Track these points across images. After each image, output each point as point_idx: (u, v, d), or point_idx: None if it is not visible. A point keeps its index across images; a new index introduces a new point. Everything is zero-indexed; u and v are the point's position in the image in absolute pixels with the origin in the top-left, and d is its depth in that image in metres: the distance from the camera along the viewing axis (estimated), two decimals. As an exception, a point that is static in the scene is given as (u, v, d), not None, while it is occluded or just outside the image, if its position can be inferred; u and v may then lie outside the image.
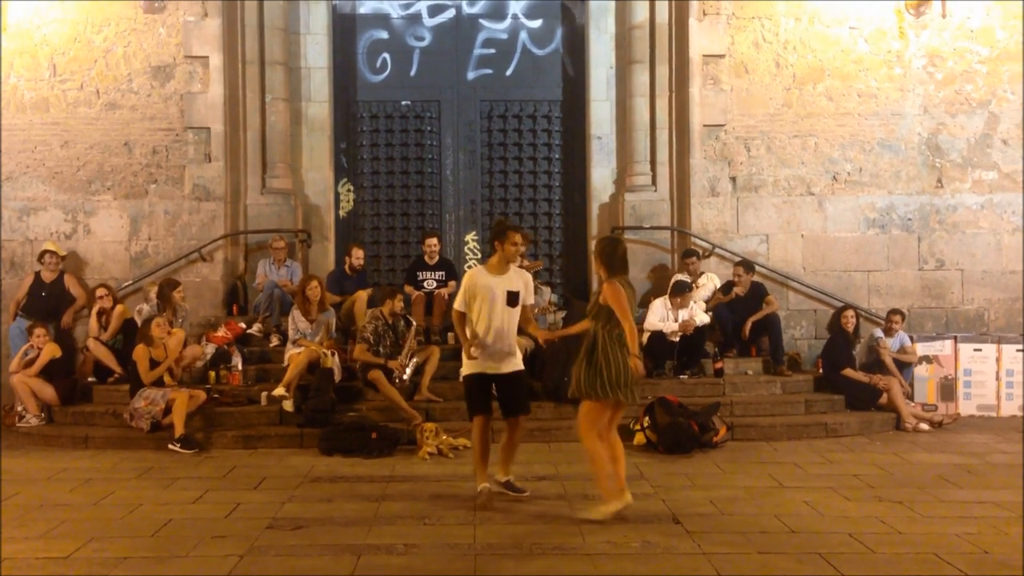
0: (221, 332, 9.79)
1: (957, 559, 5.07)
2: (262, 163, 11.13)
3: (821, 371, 10.04)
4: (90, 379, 9.79)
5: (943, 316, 10.94)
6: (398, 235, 11.96)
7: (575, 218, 11.86)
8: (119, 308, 9.92)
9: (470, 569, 5.01)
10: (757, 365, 10.04)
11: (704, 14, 10.83)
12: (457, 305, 6.33)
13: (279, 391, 8.89)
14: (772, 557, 5.17)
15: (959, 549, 5.27)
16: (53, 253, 10.27)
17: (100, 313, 9.85)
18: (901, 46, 10.91)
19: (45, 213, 10.73)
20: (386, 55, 11.87)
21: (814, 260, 10.94)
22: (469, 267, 11.28)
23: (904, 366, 10.04)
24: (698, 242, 10.81)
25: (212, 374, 9.46)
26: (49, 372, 9.38)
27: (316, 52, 11.48)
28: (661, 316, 9.70)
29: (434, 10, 11.85)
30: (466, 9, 11.86)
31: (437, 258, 10.66)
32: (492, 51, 11.88)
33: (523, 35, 11.87)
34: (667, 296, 9.82)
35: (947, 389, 10.34)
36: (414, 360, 9.06)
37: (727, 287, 10.36)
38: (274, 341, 10.06)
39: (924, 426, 9.29)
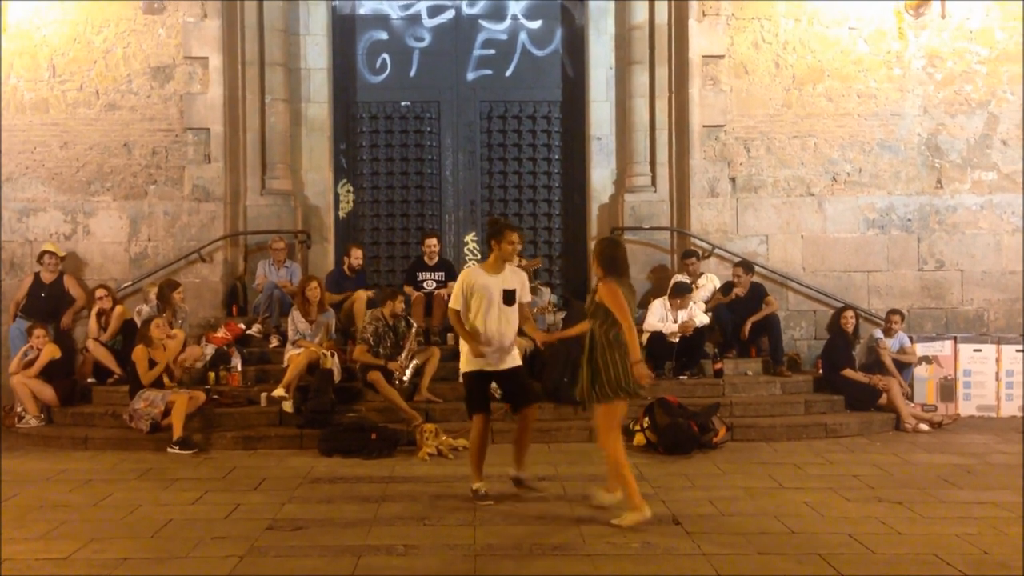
0: (221, 333, 9.79)
1: (957, 560, 5.07)
2: (262, 164, 11.13)
3: (821, 372, 10.04)
4: (89, 380, 9.78)
5: (943, 317, 10.94)
6: (398, 236, 11.96)
7: (575, 219, 11.86)
8: (119, 309, 9.92)
9: (470, 570, 5.01)
10: (757, 366, 10.04)
11: (704, 15, 10.83)
12: (453, 304, 6.33)
13: (279, 392, 8.89)
14: (772, 558, 5.17)
15: (959, 550, 5.27)
16: (53, 254, 10.27)
17: (100, 314, 9.84)
18: (901, 47, 10.91)
19: (45, 214, 10.73)
20: (386, 56, 11.88)
21: (814, 261, 10.94)
22: (471, 266, 11.27)
23: (904, 367, 10.04)
24: (698, 243, 10.81)
25: (212, 375, 9.46)
26: (49, 373, 9.37)
27: (316, 53, 11.49)
28: (660, 317, 9.71)
29: (434, 11, 11.85)
30: (466, 10, 11.86)
31: (437, 259, 10.65)
32: (492, 52, 11.88)
33: (523, 36, 11.87)
34: (666, 297, 9.82)
35: (947, 390, 10.34)
36: (414, 362, 9.06)
37: (727, 288, 10.36)
38: (274, 342, 10.06)
39: (924, 427, 9.29)
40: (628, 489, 5.79)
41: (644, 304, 9.99)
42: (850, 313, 9.99)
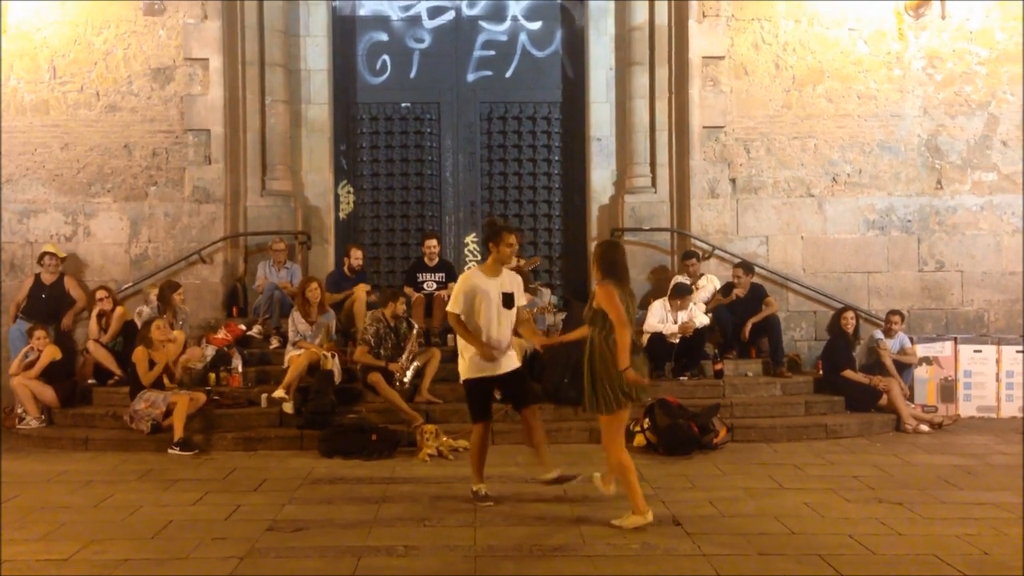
0: (221, 334, 9.79)
1: (957, 560, 5.08)
2: (262, 165, 11.13)
3: (821, 372, 10.04)
4: (90, 381, 9.78)
5: (943, 317, 10.95)
6: (398, 237, 11.96)
7: (575, 220, 11.87)
8: (119, 310, 9.92)
9: (470, 571, 5.02)
10: (757, 367, 10.04)
11: (704, 16, 10.83)
12: (453, 308, 6.27)
13: (279, 393, 8.89)
14: (772, 559, 5.17)
15: (959, 550, 5.27)
16: (53, 255, 10.28)
17: (100, 315, 9.84)
18: (900, 47, 10.91)
19: (45, 215, 10.74)
20: (386, 57, 11.88)
21: (814, 261, 10.94)
22: (469, 269, 11.28)
23: (904, 367, 10.04)
24: (698, 244, 10.81)
25: (212, 376, 9.46)
26: (49, 374, 9.37)
27: (316, 54, 11.49)
28: (660, 318, 9.71)
29: (434, 12, 11.86)
30: (466, 11, 11.87)
31: (437, 260, 10.66)
32: (492, 53, 11.89)
33: (523, 37, 11.88)
34: (666, 298, 9.83)
35: (947, 390, 10.34)
36: (415, 364, 9.06)
37: (727, 289, 10.36)
38: (274, 343, 10.06)
39: (924, 427, 9.29)
40: (633, 494, 5.77)
41: (644, 305, 9.99)
42: (850, 314, 9.99)
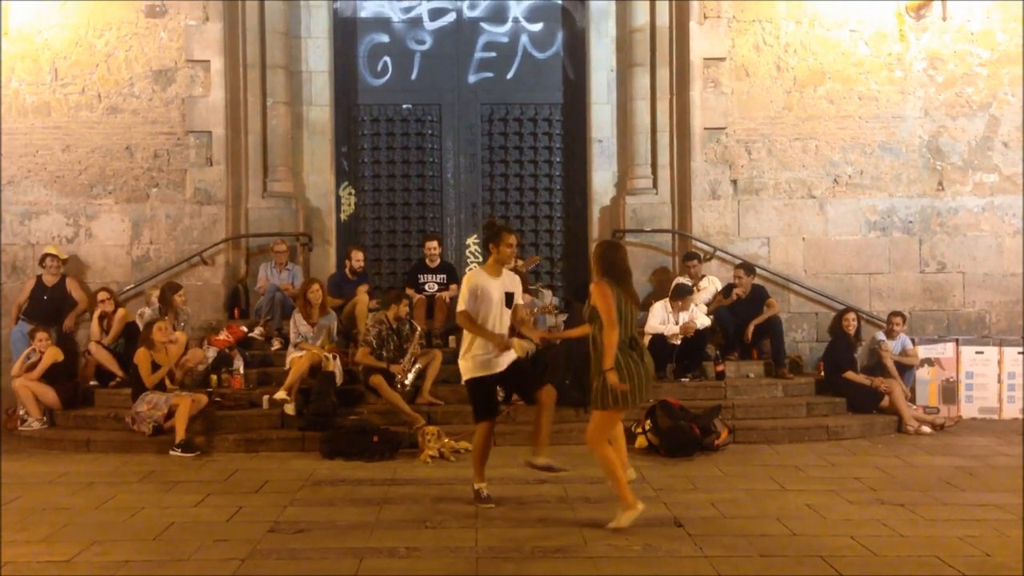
0: (222, 335, 9.80)
1: (959, 562, 5.07)
2: (263, 167, 11.13)
3: (822, 374, 10.03)
4: (92, 383, 9.79)
5: (944, 319, 10.94)
6: (399, 238, 11.96)
7: (576, 221, 11.87)
8: (121, 312, 9.92)
9: (472, 572, 5.02)
10: (758, 368, 10.04)
11: (704, 17, 10.83)
12: (465, 306, 6.24)
13: (280, 394, 8.90)
14: (774, 560, 5.17)
15: (961, 552, 5.27)
16: (54, 257, 10.29)
17: (102, 317, 9.84)
18: (902, 49, 10.91)
19: (47, 217, 10.74)
20: (387, 59, 11.88)
21: (815, 263, 10.94)
22: (470, 270, 11.27)
23: (905, 369, 10.04)
24: (699, 245, 10.81)
25: (213, 377, 9.46)
26: (51, 376, 9.37)
27: (317, 56, 11.50)
28: (662, 319, 9.71)
29: (435, 13, 11.86)
30: (467, 12, 11.87)
31: (438, 261, 10.67)
32: (493, 54, 11.89)
33: (524, 38, 11.88)
34: (667, 299, 9.83)
35: (948, 392, 10.34)
36: (417, 366, 9.06)
37: (728, 290, 10.36)
38: (275, 344, 10.07)
39: (926, 429, 9.28)
40: (619, 487, 5.77)
41: (646, 306, 9.97)
42: (852, 315, 9.99)
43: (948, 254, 10.95)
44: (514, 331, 6.60)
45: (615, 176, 11.54)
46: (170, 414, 8.46)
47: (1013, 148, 10.91)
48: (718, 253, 10.82)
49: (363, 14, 11.89)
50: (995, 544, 5.43)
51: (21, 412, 9.36)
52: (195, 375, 9.50)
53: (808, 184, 10.93)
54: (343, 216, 11.89)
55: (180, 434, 8.26)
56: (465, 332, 6.32)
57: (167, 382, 8.81)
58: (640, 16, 11.15)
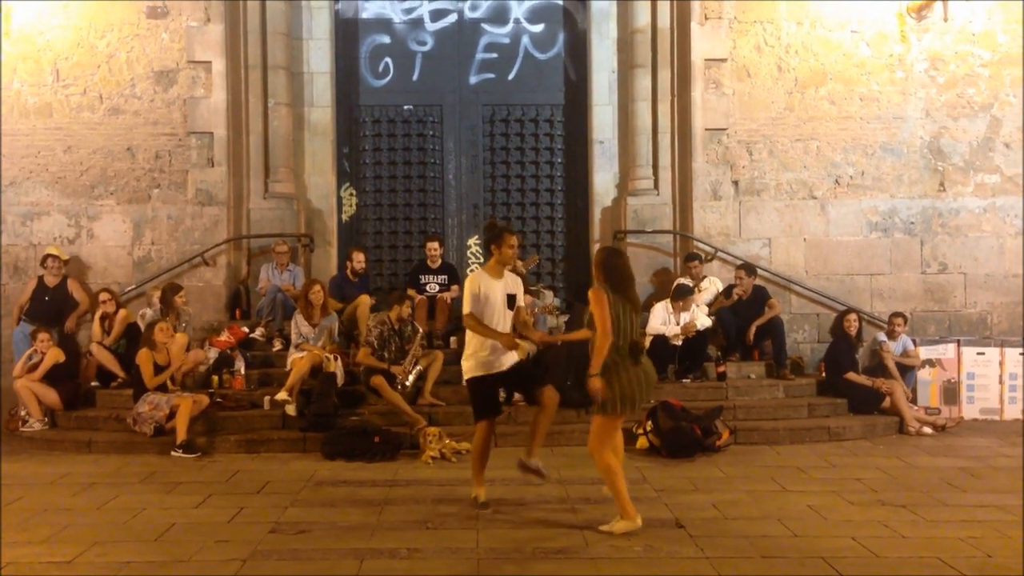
0: (224, 336, 9.81)
1: (960, 563, 5.07)
2: (265, 168, 11.13)
3: (824, 375, 10.03)
4: (93, 383, 9.79)
5: (946, 320, 10.94)
6: (400, 239, 11.96)
7: (577, 222, 11.86)
8: (122, 313, 9.93)
9: (473, 572, 5.03)
10: (760, 369, 10.04)
11: (706, 18, 10.84)
12: (470, 309, 6.21)
13: (282, 395, 8.90)
14: (775, 561, 5.17)
15: (962, 553, 5.27)
16: (56, 258, 10.29)
17: (103, 318, 9.85)
18: (903, 50, 10.91)
19: (48, 218, 10.75)
20: (388, 60, 11.88)
21: (816, 264, 10.94)
22: (471, 271, 11.28)
23: (907, 370, 10.04)
24: (700, 246, 10.81)
25: (215, 378, 9.47)
26: (52, 377, 9.37)
27: (319, 57, 11.50)
28: (663, 320, 9.71)
29: (436, 15, 11.86)
30: (468, 14, 11.87)
31: (439, 262, 10.67)
32: (494, 56, 11.89)
33: (525, 39, 11.88)
34: (668, 300, 9.83)
35: (950, 393, 10.33)
36: (418, 367, 9.06)
37: (729, 291, 10.36)
38: (277, 345, 10.07)
39: (927, 430, 9.28)
40: (620, 498, 5.74)
41: (647, 307, 9.98)
42: (853, 316, 9.99)
43: (949, 255, 10.94)
44: (515, 332, 6.59)
45: (616, 177, 11.54)
46: (171, 415, 8.47)
47: (1014, 149, 10.90)
48: (719, 254, 10.82)
49: (364, 15, 11.89)
50: (996, 545, 5.43)
51: (22, 413, 9.36)
52: (196, 376, 9.50)
53: (809, 185, 10.93)
54: (344, 217, 11.90)
55: (181, 435, 8.26)
56: (469, 334, 6.29)
57: (168, 383, 8.82)
58: (641, 17, 11.15)
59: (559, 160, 11.93)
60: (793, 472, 7.50)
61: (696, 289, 10.17)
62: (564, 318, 10.16)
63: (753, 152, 10.90)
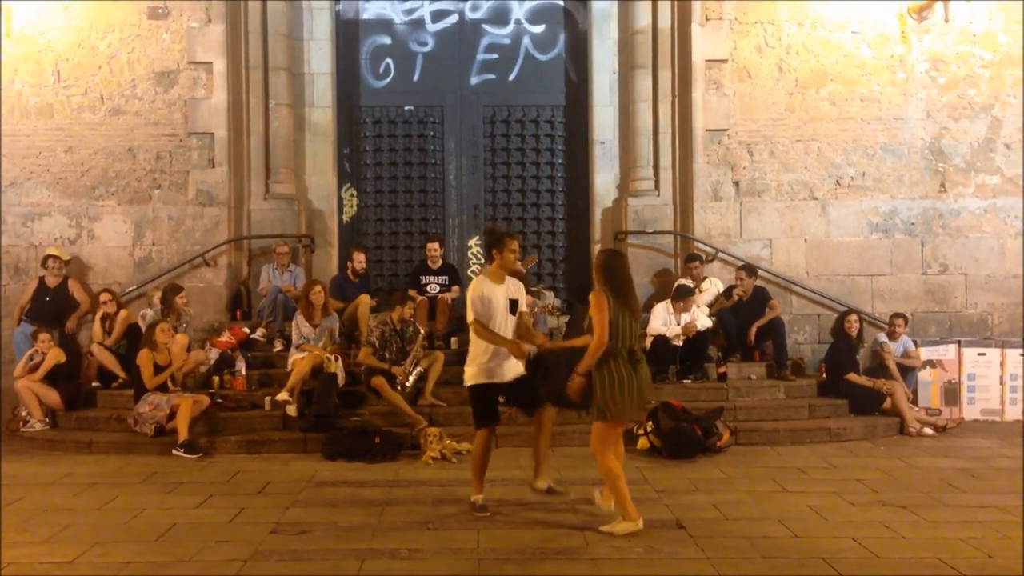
0: (225, 337, 9.81)
1: (961, 564, 5.07)
2: (265, 168, 11.14)
3: (824, 376, 10.02)
4: (94, 384, 9.79)
5: (946, 320, 10.93)
6: (401, 240, 11.96)
7: (578, 223, 11.86)
8: (123, 313, 9.94)
9: (474, 573, 5.03)
10: (760, 369, 10.04)
11: (706, 19, 10.84)
12: (475, 315, 6.15)
13: (283, 396, 8.90)
14: (776, 562, 5.17)
15: (963, 553, 5.27)
16: (57, 258, 10.30)
17: (104, 318, 9.86)
18: (904, 50, 10.91)
19: (49, 218, 10.76)
20: (389, 60, 11.88)
21: (817, 264, 10.94)
22: (472, 272, 11.29)
23: (908, 370, 10.04)
24: (701, 247, 10.80)
25: (216, 379, 9.47)
26: (53, 377, 9.38)
27: (319, 58, 11.51)
28: (664, 320, 9.71)
29: (437, 15, 11.87)
30: (469, 14, 11.88)
31: (440, 263, 10.67)
32: (495, 56, 11.89)
33: (526, 40, 11.88)
34: (669, 300, 9.82)
35: (951, 394, 10.33)
36: (418, 368, 9.06)
37: (730, 291, 10.36)
38: (278, 346, 10.07)
39: (928, 431, 9.28)
40: (622, 500, 5.73)
41: (647, 308, 9.99)
42: (854, 317, 9.99)
43: (950, 256, 10.94)
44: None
45: (617, 178, 11.54)
46: (172, 415, 8.47)
47: (1015, 150, 10.90)
48: (720, 255, 10.82)
49: (365, 16, 11.89)
50: (997, 546, 5.43)
51: (23, 413, 9.36)
52: (197, 376, 9.50)
53: (810, 186, 10.93)
54: (345, 218, 11.90)
55: (182, 435, 8.27)
56: (475, 339, 6.23)
57: (169, 383, 8.82)
58: (642, 18, 11.15)
59: (560, 161, 11.93)
60: (794, 473, 7.50)
61: (697, 290, 10.17)
62: (564, 319, 10.15)
63: (754, 153, 10.90)
